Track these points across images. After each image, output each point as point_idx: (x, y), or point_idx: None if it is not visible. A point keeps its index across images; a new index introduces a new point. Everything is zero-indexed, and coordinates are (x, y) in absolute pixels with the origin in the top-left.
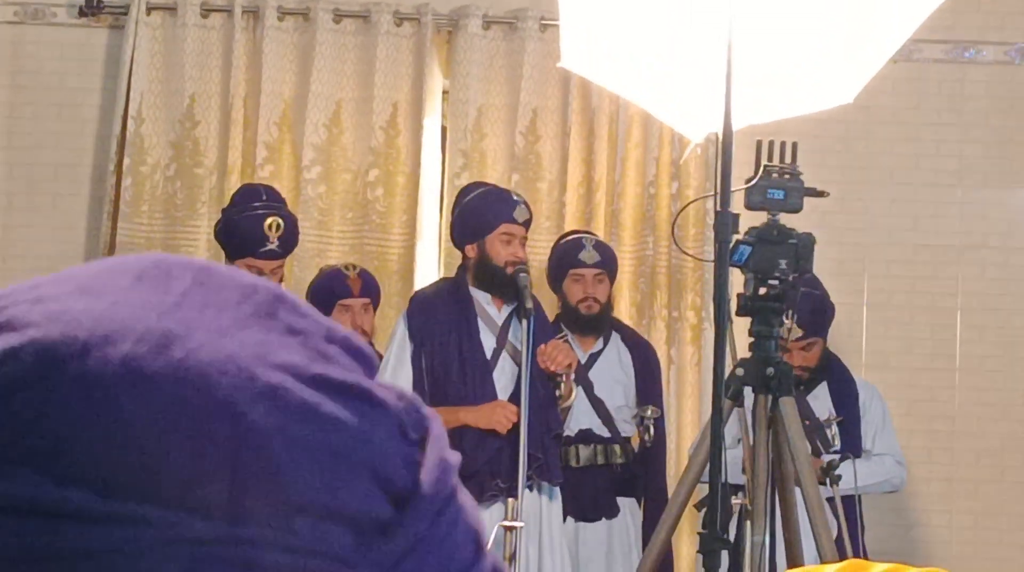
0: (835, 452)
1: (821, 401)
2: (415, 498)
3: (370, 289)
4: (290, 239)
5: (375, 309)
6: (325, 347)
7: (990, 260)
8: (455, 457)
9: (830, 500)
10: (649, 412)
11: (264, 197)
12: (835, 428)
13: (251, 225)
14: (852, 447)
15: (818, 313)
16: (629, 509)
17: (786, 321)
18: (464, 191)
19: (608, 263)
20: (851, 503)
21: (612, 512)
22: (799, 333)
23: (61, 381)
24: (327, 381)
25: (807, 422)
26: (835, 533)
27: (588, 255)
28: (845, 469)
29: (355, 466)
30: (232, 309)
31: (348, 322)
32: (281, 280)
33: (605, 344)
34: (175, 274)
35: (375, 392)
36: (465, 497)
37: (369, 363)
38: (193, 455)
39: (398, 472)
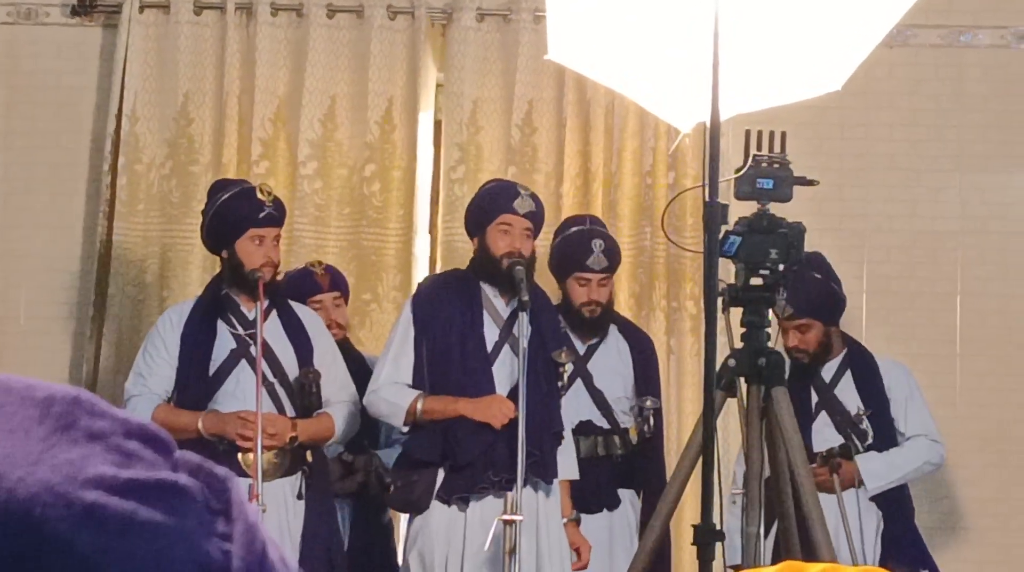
0: (870, 446)
1: (848, 394)
2: None
3: (339, 283)
4: (281, 206)
5: (346, 302)
6: (126, 444)
7: (990, 245)
8: (254, 511)
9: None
10: (648, 403)
11: (237, 182)
12: (866, 422)
13: (243, 198)
14: (887, 436)
15: (814, 294)
16: (630, 500)
17: (778, 298)
18: (480, 188)
19: (614, 266)
20: (893, 495)
21: (613, 503)
22: (789, 311)
23: None
24: (136, 485)
25: (838, 417)
26: (880, 526)
27: (596, 261)
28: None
29: (177, 564)
30: (35, 429)
31: (323, 318)
32: (278, 265)
33: (603, 336)
34: None
35: (179, 482)
36: (268, 540)
37: (166, 447)
38: None
39: (214, 554)
